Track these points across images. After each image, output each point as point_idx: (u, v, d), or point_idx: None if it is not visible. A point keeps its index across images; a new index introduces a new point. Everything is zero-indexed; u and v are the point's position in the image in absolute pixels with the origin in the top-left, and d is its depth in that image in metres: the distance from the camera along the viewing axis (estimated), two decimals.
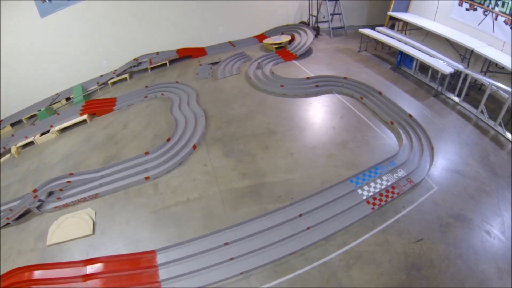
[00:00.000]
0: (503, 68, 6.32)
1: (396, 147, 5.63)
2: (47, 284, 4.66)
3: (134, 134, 7.17)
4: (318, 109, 6.61)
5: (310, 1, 10.89)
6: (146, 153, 6.21)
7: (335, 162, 5.36)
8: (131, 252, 4.61)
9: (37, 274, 4.81)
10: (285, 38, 9.89)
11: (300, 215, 4.59)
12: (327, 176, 5.14)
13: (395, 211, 4.65)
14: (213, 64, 9.21)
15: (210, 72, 8.67)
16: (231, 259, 4.19)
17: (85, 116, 8.60)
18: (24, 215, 6.54)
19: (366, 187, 4.93)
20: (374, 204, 4.73)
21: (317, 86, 7.30)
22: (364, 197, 4.79)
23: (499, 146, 5.74)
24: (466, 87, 6.59)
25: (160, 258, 4.44)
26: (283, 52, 9.32)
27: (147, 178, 5.80)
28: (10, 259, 5.86)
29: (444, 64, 6.83)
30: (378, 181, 5.02)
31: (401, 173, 5.13)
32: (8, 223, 6.62)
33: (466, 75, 6.52)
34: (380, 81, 7.47)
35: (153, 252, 4.53)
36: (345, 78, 7.39)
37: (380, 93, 6.75)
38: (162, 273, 4.29)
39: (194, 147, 6.06)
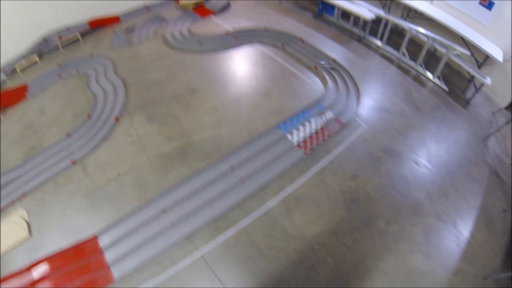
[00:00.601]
0: (422, 14, 6.55)
1: (322, 90, 5.68)
2: None
3: (53, 118, 6.61)
4: (239, 61, 6.48)
5: None
6: (68, 135, 5.82)
7: (261, 112, 5.34)
8: (73, 243, 4.44)
9: None
10: None
11: (231, 167, 4.62)
12: (254, 126, 5.15)
13: (327, 152, 4.80)
14: (128, 31, 8.54)
15: (125, 40, 8.06)
16: (172, 225, 4.17)
17: None
18: None
19: (295, 132, 4.98)
20: (305, 148, 4.82)
21: (236, 39, 7.07)
22: (295, 142, 4.85)
23: (421, 85, 6.08)
24: (387, 32, 6.73)
25: (103, 241, 4.33)
26: (201, 9, 8.86)
27: (73, 162, 5.46)
28: None
29: (366, 11, 6.86)
30: (307, 124, 5.09)
31: (329, 115, 5.22)
32: None
33: (387, 20, 6.64)
34: (302, 29, 7.38)
35: (94, 237, 4.40)
36: (266, 29, 7.20)
37: (302, 40, 6.68)
38: (109, 256, 4.19)
39: (117, 119, 5.76)
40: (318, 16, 8.00)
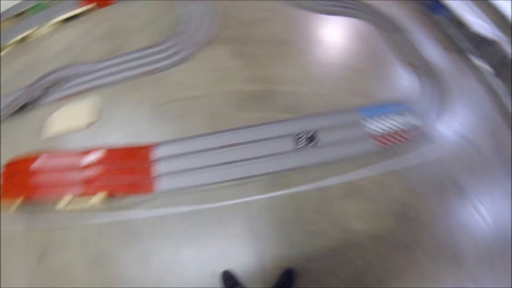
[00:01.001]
0: None
1: (414, 92, 5.19)
2: (47, 173, 4.67)
3: (144, 23, 6.68)
4: (342, 30, 6.09)
5: None
6: (156, 45, 5.88)
7: (347, 86, 5.05)
8: (130, 144, 4.53)
9: (37, 163, 4.82)
10: None
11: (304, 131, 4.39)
12: (337, 98, 4.81)
13: (399, 156, 4.45)
14: None
15: None
16: (233, 162, 4.09)
17: (84, 8, 7.88)
18: (24, 107, 6.33)
19: (374, 121, 4.61)
20: (381, 142, 4.46)
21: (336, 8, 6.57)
22: (371, 131, 4.48)
23: None
24: (500, 60, 5.82)
25: (157, 152, 4.38)
26: None
27: (151, 70, 5.50)
28: (11, 151, 5.75)
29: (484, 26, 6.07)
30: (388, 120, 4.68)
31: (413, 119, 4.77)
32: (13, 113, 6.41)
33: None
34: (409, 19, 6.68)
35: (150, 146, 4.46)
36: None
37: (408, 31, 6.07)
38: (158, 168, 4.24)
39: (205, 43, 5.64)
40: (427, 11, 7.25)
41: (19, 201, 4.82)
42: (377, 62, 5.51)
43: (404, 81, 5.35)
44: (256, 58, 5.30)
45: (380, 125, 4.66)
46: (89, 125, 5.24)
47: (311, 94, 4.84)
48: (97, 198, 4.23)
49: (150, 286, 3.70)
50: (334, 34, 5.92)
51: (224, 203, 3.84)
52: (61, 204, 4.43)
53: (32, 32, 8.53)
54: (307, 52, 5.46)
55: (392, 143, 4.55)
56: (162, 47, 5.80)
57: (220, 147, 4.23)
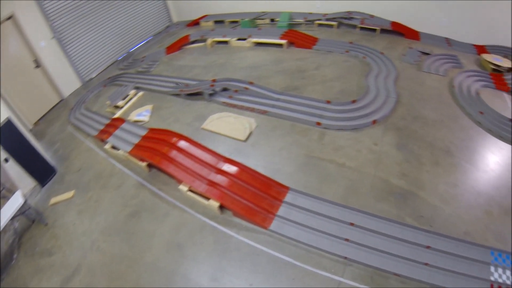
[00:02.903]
0: None
1: None
2: (185, 156, 5.33)
3: (323, 79, 7.27)
4: (505, 159, 5.53)
5: None
6: (328, 102, 6.28)
7: (488, 223, 4.52)
8: (267, 176, 4.88)
9: (182, 143, 5.54)
10: (507, 63, 8.24)
11: (428, 247, 4.14)
12: (473, 229, 4.39)
13: None
14: (423, 53, 8.43)
15: (417, 60, 7.98)
16: (347, 240, 4.10)
17: (283, 41, 9.07)
18: (194, 95, 7.52)
19: (501, 270, 4.05)
20: None
21: None
22: (492, 278, 3.97)
23: None
24: None
25: (288, 197, 4.61)
26: (498, 78, 7.84)
27: (318, 123, 5.93)
28: (168, 121, 6.91)
29: None
30: None
31: None
32: (179, 94, 7.66)
33: None
34: None
35: (287, 187, 4.72)
36: None
37: None
38: (282, 210, 4.47)
39: (374, 122, 5.85)
40: None
41: (146, 162, 5.62)
42: None
43: None
44: (417, 158, 5.26)
45: (504, 275, 4.16)
46: (241, 140, 5.88)
47: (450, 214, 4.52)
48: (213, 202, 4.64)
49: None
50: (500, 163, 5.44)
51: (319, 271, 3.87)
52: (183, 187, 5.01)
53: (231, 40, 10.18)
54: (466, 172, 5.13)
55: None
56: (337, 107, 6.18)
57: (344, 222, 4.28)
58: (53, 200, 5.70)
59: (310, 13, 10.73)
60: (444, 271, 3.94)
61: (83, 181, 5.97)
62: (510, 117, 6.17)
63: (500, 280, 3.92)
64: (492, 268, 4.09)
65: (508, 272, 4.02)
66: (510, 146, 5.70)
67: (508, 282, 3.97)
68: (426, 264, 3.98)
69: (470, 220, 4.51)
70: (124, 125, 6.66)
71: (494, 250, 4.17)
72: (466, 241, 4.17)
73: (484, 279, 3.89)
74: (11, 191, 5.32)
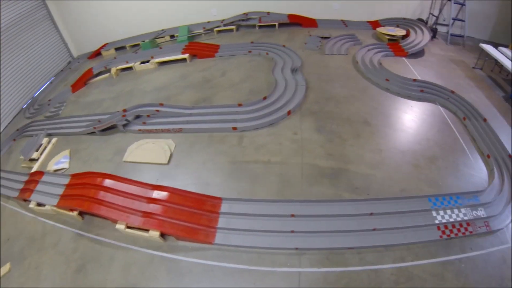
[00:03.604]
0: None
1: (485, 183, 4.83)
2: (114, 194, 4.95)
3: (231, 83, 7.12)
4: (417, 115, 5.92)
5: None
6: (240, 105, 6.11)
7: (419, 175, 4.79)
8: (198, 192, 4.64)
9: (108, 182, 5.13)
10: (400, 31, 8.95)
11: (371, 214, 4.24)
12: (407, 185, 4.63)
13: (461, 249, 4.02)
14: (322, 38, 8.74)
15: (318, 45, 8.23)
16: (292, 231, 4.05)
17: (186, 55, 8.80)
18: (109, 129, 7.01)
19: (441, 212, 4.31)
20: (443, 232, 4.13)
21: (421, 91, 6.51)
22: (437, 221, 4.21)
23: None
24: None
25: (224, 207, 4.44)
26: (395, 46, 8.48)
27: (234, 128, 5.73)
28: (89, 162, 6.32)
29: None
30: (456, 211, 4.36)
31: (481, 212, 4.37)
32: (93, 132, 7.09)
33: None
34: (488, 107, 6.34)
35: (219, 199, 4.53)
36: (452, 92, 6.46)
37: (485, 120, 5.79)
38: (221, 221, 4.30)
39: (289, 113, 5.79)
40: (510, 98, 6.87)
41: (77, 210, 5.08)
42: (452, 152, 5.31)
43: (476, 172, 5.09)
44: (338, 136, 5.32)
45: (446, 215, 4.41)
46: (164, 164, 5.51)
47: (383, 178, 4.68)
48: (153, 233, 4.34)
49: None
50: (415, 120, 5.79)
51: (276, 269, 3.76)
52: (120, 226, 4.58)
53: (135, 65, 9.65)
54: (386, 136, 5.37)
55: (455, 235, 4.25)
56: (249, 107, 6.05)
57: (284, 216, 4.19)
58: None
59: (208, 22, 10.62)
60: (392, 230, 4.06)
61: (16, 250, 5.07)
62: (413, 78, 6.62)
63: (444, 221, 4.20)
64: (434, 213, 4.30)
65: (448, 211, 4.31)
66: (418, 103, 6.12)
67: (451, 220, 4.22)
68: (374, 229, 4.05)
69: (402, 178, 4.69)
70: (44, 178, 5.86)
71: (431, 196, 4.42)
72: (404, 197, 4.36)
73: (430, 225, 4.11)
74: None
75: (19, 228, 5.63)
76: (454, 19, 9.06)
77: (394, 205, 4.29)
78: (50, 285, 4.45)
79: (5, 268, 4.94)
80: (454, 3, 8.84)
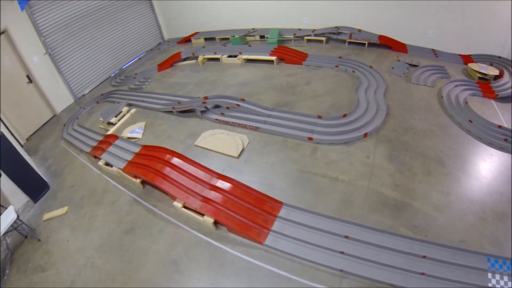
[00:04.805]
0: None
1: None
2: (179, 172, 5.36)
3: (314, 94, 7.41)
4: (495, 164, 5.62)
5: None
6: (319, 117, 6.38)
7: (483, 229, 4.53)
8: (261, 191, 4.90)
9: (176, 160, 5.57)
10: (493, 71, 8.41)
11: (424, 257, 4.16)
12: (468, 236, 4.39)
13: None
14: (411, 65, 8.68)
15: (405, 72, 8.19)
16: (342, 252, 4.12)
17: (273, 58, 9.26)
18: (187, 112, 7.63)
19: (498, 276, 4.02)
20: None
21: (505, 140, 6.16)
22: (490, 285, 3.95)
23: None
24: None
25: (283, 212, 4.63)
26: (485, 86, 8.01)
27: (310, 138, 6.00)
28: (161, 138, 6.96)
29: None
30: None
31: None
32: (171, 112, 7.77)
33: None
34: None
35: (280, 203, 4.74)
36: None
37: None
38: (277, 225, 4.48)
39: (366, 135, 5.95)
40: None
41: (140, 179, 5.62)
42: None
43: None
44: (409, 169, 5.33)
45: (502, 281, 4.12)
46: (234, 157, 5.91)
47: (445, 222, 4.56)
48: (208, 218, 4.65)
49: None
50: (491, 170, 5.53)
51: (316, 285, 3.86)
52: (177, 204, 5.00)
53: (222, 57, 10.33)
54: (458, 180, 5.20)
55: None
56: (328, 122, 6.27)
57: (338, 235, 4.28)
58: (46, 216, 5.63)
59: (299, 29, 10.99)
60: (441, 280, 3.95)
61: (77, 197, 5.92)
62: (498, 124, 6.36)
63: (498, 286, 3.94)
64: (490, 275, 4.10)
65: (506, 278, 4.04)
66: (499, 152, 5.87)
67: (500, 286, 4.03)
68: (422, 274, 3.99)
69: (465, 228, 4.55)
70: (117, 142, 6.67)
71: (491, 256, 4.17)
72: (462, 249, 4.19)
73: (482, 286, 3.90)
74: (4, 207, 5.26)
75: (84, 179, 6.44)
76: None
77: (449, 255, 4.13)
78: (98, 237, 5.04)
79: (63, 210, 5.73)
80: None
